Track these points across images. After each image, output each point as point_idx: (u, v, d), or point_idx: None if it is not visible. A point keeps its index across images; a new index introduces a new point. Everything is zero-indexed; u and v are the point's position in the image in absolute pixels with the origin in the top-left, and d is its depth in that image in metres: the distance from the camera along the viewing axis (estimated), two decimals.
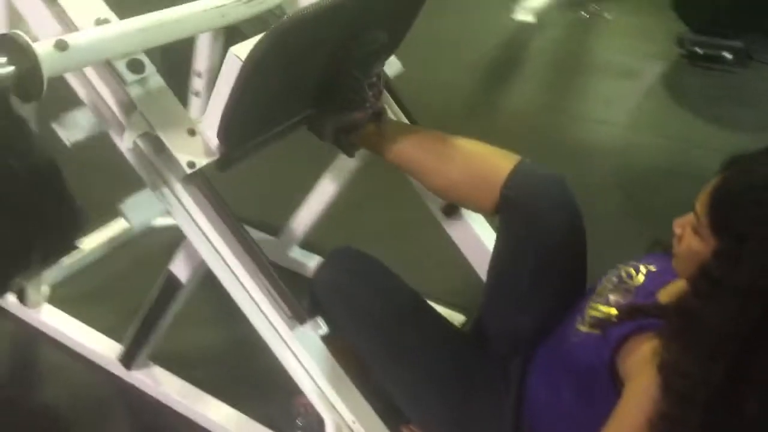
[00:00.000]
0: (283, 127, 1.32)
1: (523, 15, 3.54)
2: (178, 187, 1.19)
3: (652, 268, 1.18)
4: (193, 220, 1.20)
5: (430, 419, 1.28)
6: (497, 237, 1.31)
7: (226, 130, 1.16)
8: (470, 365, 1.26)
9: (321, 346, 1.25)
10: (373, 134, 1.34)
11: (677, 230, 1.05)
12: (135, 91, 1.15)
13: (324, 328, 1.26)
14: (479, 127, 2.67)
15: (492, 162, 1.28)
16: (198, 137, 1.17)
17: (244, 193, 2.23)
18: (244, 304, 1.24)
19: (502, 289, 1.32)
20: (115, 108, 1.18)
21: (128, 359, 1.60)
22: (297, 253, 1.96)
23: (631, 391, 1.01)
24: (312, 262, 1.92)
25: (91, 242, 1.99)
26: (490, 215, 1.36)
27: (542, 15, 3.56)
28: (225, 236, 1.20)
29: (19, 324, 1.81)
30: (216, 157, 1.18)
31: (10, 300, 1.80)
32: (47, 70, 0.99)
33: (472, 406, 1.24)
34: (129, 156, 1.21)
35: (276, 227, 1.96)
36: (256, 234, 2.06)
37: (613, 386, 1.06)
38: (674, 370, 0.94)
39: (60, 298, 1.85)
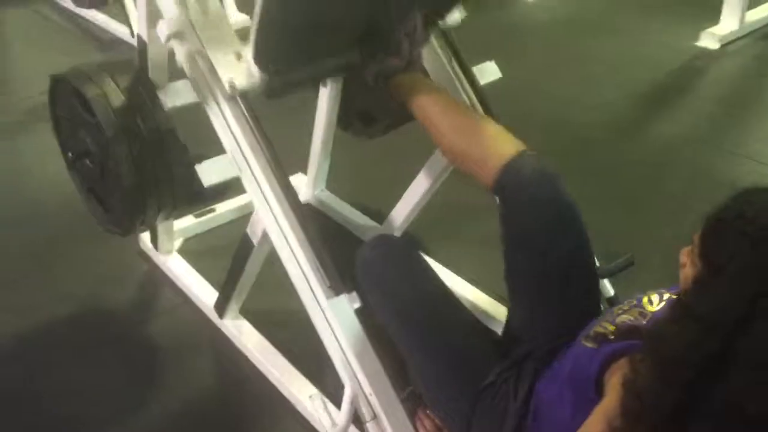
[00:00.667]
0: (328, 65, 1.42)
1: (707, 41, 3.37)
2: (224, 105, 1.34)
3: (674, 296, 1.16)
4: (235, 138, 1.35)
5: (442, 406, 1.34)
6: (499, 220, 1.35)
7: (258, 53, 1.28)
8: (488, 363, 1.30)
9: (353, 318, 1.36)
10: (404, 85, 1.42)
11: (682, 258, 1.03)
12: (193, 14, 1.31)
13: (358, 303, 1.37)
14: (623, 150, 2.62)
15: (496, 145, 1.33)
16: (243, 62, 1.33)
17: (361, 180, 2.42)
18: (290, 267, 1.38)
19: (508, 282, 1.36)
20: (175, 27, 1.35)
21: (220, 309, 1.82)
22: None
23: (598, 407, 1.02)
24: None
25: (226, 206, 2.26)
26: (486, 191, 1.38)
27: (729, 43, 3.38)
28: (266, 172, 1.35)
29: (151, 266, 2.12)
30: (255, 80, 1.32)
31: (149, 245, 2.11)
32: None
33: (481, 401, 1.28)
34: (186, 71, 1.38)
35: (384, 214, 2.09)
36: (362, 219, 2.22)
37: (599, 401, 1.07)
38: (631, 389, 0.94)
39: (188, 250, 2.13)
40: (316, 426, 1.55)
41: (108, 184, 1.65)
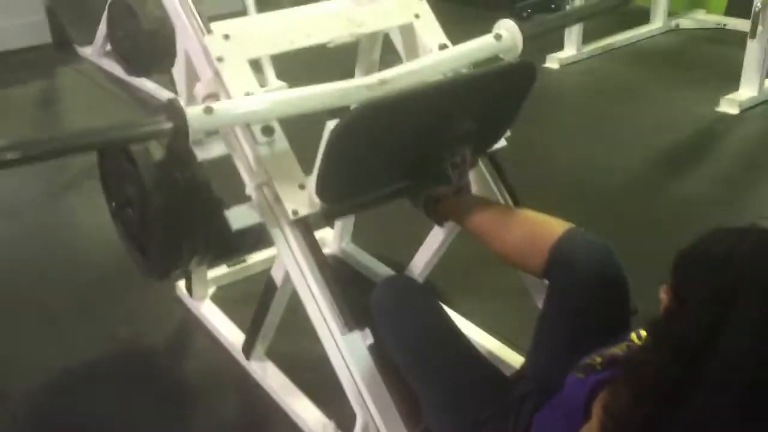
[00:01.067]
0: (380, 194, 1.59)
1: (727, 107, 3.48)
2: (287, 230, 1.49)
3: None
4: (294, 258, 1.50)
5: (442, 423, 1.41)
6: (546, 295, 1.43)
7: (320, 187, 1.45)
8: (487, 396, 1.38)
9: (365, 353, 1.46)
10: (454, 206, 1.55)
11: (661, 294, 1.12)
12: (263, 150, 1.47)
13: (371, 340, 1.47)
14: (642, 209, 2.71)
15: (545, 227, 1.41)
16: (305, 191, 1.48)
17: (385, 234, 2.54)
18: (310, 306, 1.50)
19: (541, 343, 1.43)
20: (248, 160, 1.51)
21: (247, 350, 1.94)
22: None
23: (582, 429, 1.10)
24: None
25: (257, 257, 2.40)
26: (540, 277, 1.45)
27: (748, 109, 3.47)
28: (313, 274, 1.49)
29: (186, 311, 2.26)
30: (316, 209, 1.48)
31: (184, 292, 2.26)
32: (193, 127, 1.34)
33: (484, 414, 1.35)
34: (253, 198, 1.54)
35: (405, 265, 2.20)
36: (384, 270, 2.34)
37: None
38: (607, 410, 1.02)
39: (221, 297, 2.27)
40: None
41: (146, 231, 1.81)
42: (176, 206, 1.74)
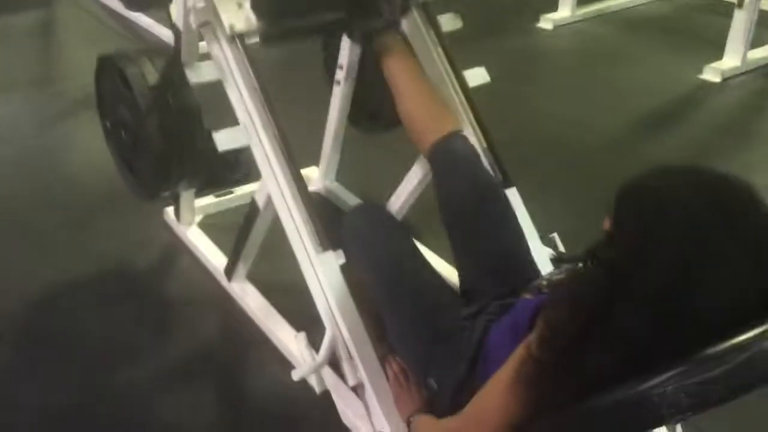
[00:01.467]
0: (318, 20, 1.69)
1: (709, 75, 3.57)
2: (225, 47, 1.61)
3: None
4: (234, 78, 1.61)
5: (405, 351, 1.54)
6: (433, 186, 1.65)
7: (254, 2, 1.55)
8: (446, 316, 1.49)
9: (337, 271, 1.57)
10: (384, 45, 1.68)
11: (604, 225, 1.23)
12: None
13: (343, 259, 1.58)
14: (615, 167, 2.81)
15: (438, 120, 1.67)
16: (243, 10, 1.59)
17: (367, 174, 2.64)
18: (287, 225, 1.61)
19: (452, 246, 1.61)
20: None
21: (229, 272, 2.06)
22: None
23: (525, 340, 1.21)
24: None
25: (246, 188, 2.49)
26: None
27: (730, 78, 3.56)
28: (273, 144, 1.59)
29: (173, 236, 2.37)
30: (253, 27, 1.58)
31: (172, 217, 2.36)
32: None
33: (439, 348, 1.47)
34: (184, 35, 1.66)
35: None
36: None
37: None
38: (546, 321, 1.14)
39: (207, 225, 2.38)
40: (298, 364, 1.73)
41: (139, 152, 1.90)
42: (168, 128, 1.83)
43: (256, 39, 1.63)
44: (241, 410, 1.77)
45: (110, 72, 1.89)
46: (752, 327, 0.98)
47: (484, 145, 1.82)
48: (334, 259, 1.58)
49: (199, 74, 1.66)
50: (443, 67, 1.88)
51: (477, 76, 1.92)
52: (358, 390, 1.56)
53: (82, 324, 2.01)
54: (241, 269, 2.04)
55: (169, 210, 2.38)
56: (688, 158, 2.89)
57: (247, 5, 1.58)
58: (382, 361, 1.58)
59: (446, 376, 1.45)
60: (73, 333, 1.98)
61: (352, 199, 2.52)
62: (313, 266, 1.58)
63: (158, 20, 3.84)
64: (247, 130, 1.62)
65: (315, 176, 2.61)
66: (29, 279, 2.18)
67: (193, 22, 1.64)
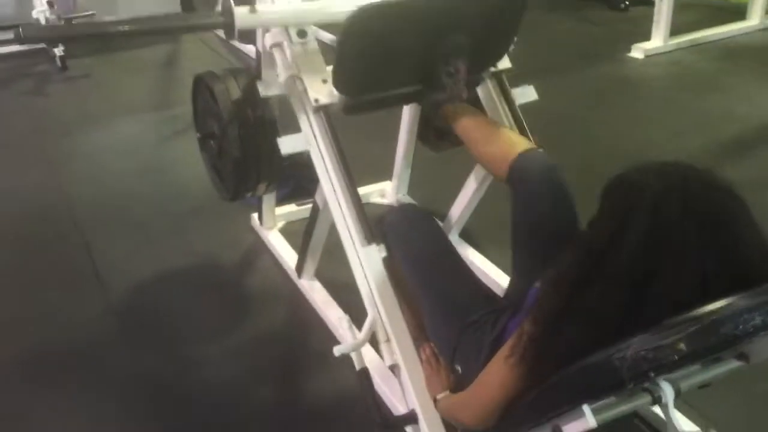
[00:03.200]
0: (394, 94, 1.85)
1: None
2: (310, 115, 1.82)
3: None
4: (315, 140, 1.81)
5: (437, 338, 1.69)
6: (511, 205, 1.68)
7: (336, 79, 1.76)
8: (474, 310, 1.62)
9: (379, 262, 1.76)
10: (449, 112, 1.83)
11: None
12: (296, 49, 1.82)
13: (385, 253, 1.77)
14: None
15: (510, 145, 1.71)
16: (327, 85, 1.81)
17: (436, 188, 2.81)
18: (338, 221, 1.81)
19: (513, 262, 1.70)
20: (283, 56, 1.85)
21: (299, 270, 2.30)
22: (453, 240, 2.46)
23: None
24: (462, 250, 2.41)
25: None
26: (504, 183, 1.71)
27: None
28: (332, 160, 1.79)
29: (257, 238, 2.65)
30: (335, 100, 1.79)
31: (257, 223, 2.65)
32: (239, 22, 1.72)
33: (465, 338, 1.60)
34: (264, 57, 1.88)
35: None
36: None
37: None
38: (537, 303, 1.28)
39: (288, 231, 2.64)
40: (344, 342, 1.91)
41: (223, 158, 2.19)
42: (246, 137, 2.10)
43: None
44: (296, 386, 1.99)
45: (202, 89, 2.19)
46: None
47: None
48: (377, 252, 1.77)
49: (268, 88, 1.91)
50: (506, 115, 2.03)
51: (525, 93, 2.07)
52: (394, 370, 1.73)
53: (174, 305, 2.32)
54: (310, 267, 2.27)
55: (255, 216, 2.66)
56: (760, 182, 2.88)
57: (330, 83, 1.79)
58: (417, 345, 1.74)
59: (470, 362, 1.58)
60: (165, 311, 2.30)
61: None
62: (358, 257, 1.78)
63: None
64: (307, 137, 1.85)
65: (389, 190, 2.82)
66: (138, 263, 2.53)
67: (267, 45, 1.91)
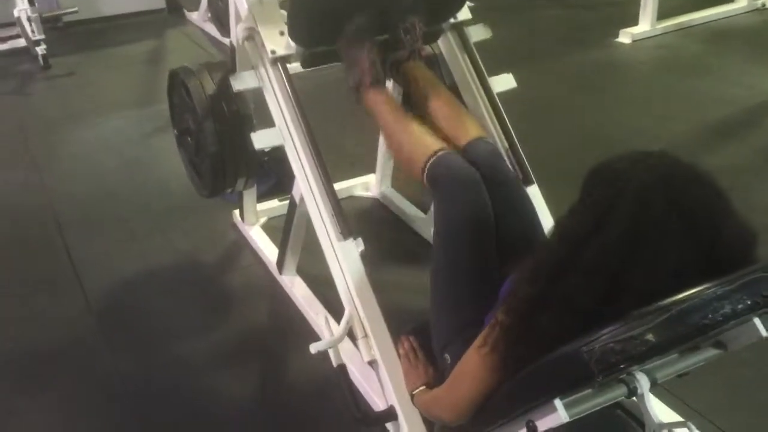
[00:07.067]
0: None
1: None
2: (268, 68, 1.81)
3: None
4: (275, 94, 1.80)
5: (436, 322, 1.60)
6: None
7: (290, 28, 1.74)
8: (476, 308, 1.53)
9: (357, 258, 1.73)
10: (407, 74, 1.81)
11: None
12: (253, 2, 1.82)
13: (362, 246, 1.75)
14: None
15: (457, 130, 1.72)
16: (285, 37, 1.79)
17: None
18: (314, 216, 1.79)
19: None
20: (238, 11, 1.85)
21: (279, 266, 2.27)
22: None
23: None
24: None
25: None
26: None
27: None
28: (296, 125, 1.78)
29: (239, 234, 2.62)
30: (292, 51, 1.78)
31: (239, 219, 2.62)
32: None
33: (460, 335, 1.50)
34: (239, 50, 1.88)
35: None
36: (413, 210, 2.60)
37: None
38: (511, 292, 1.25)
39: (270, 226, 2.61)
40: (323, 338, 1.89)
41: (200, 154, 2.16)
42: (223, 132, 2.08)
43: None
44: (276, 383, 1.97)
45: (177, 85, 2.16)
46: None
47: (506, 145, 1.94)
48: (354, 247, 1.74)
49: (241, 82, 1.88)
50: (470, 76, 2.02)
51: (504, 81, 2.04)
52: (372, 366, 1.71)
53: (154, 303, 2.30)
54: (290, 263, 2.25)
55: (237, 212, 2.63)
56: (747, 167, 2.86)
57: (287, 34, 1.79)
58: (395, 340, 1.72)
59: (459, 356, 1.56)
60: (144, 310, 2.28)
61: (406, 204, 2.68)
62: (335, 252, 1.76)
63: None
64: (281, 131, 1.83)
65: (372, 183, 2.80)
66: (119, 261, 2.51)
67: (239, 35, 1.88)
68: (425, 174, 1.66)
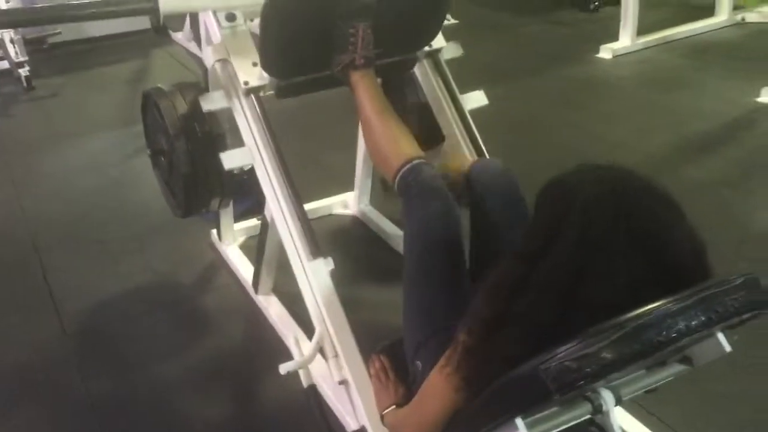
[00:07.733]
0: (325, 76, 1.79)
1: (766, 97, 3.50)
2: (241, 98, 1.81)
3: None
4: (245, 116, 1.80)
5: (407, 329, 1.57)
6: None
7: (263, 62, 1.74)
8: (448, 315, 1.50)
9: (326, 276, 1.73)
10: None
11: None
12: (225, 33, 1.82)
13: (332, 265, 1.74)
14: None
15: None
16: (258, 68, 1.79)
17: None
18: (284, 235, 1.78)
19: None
20: (211, 40, 1.84)
21: (255, 286, 2.26)
22: None
23: None
24: None
25: None
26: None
27: None
28: (268, 153, 1.78)
29: (216, 254, 2.61)
30: (265, 82, 1.78)
31: (216, 238, 2.61)
32: (163, 7, 1.73)
33: (432, 340, 1.48)
34: (211, 73, 1.87)
35: None
36: (391, 229, 2.60)
37: None
38: (473, 310, 1.25)
39: (247, 245, 2.60)
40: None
41: (173, 174, 2.15)
42: (195, 152, 2.07)
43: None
44: (250, 404, 1.96)
45: (150, 105, 2.16)
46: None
47: None
48: (324, 266, 1.74)
49: (210, 102, 1.88)
50: (442, 93, 2.03)
51: (474, 99, 2.05)
52: (344, 385, 1.70)
53: (130, 325, 2.28)
54: (266, 282, 2.24)
55: (214, 232, 2.62)
56: (726, 180, 2.87)
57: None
58: (365, 359, 1.71)
59: (430, 364, 1.54)
60: (121, 332, 2.26)
61: (384, 222, 2.67)
62: (305, 271, 1.75)
63: None
64: (251, 151, 1.82)
65: (351, 201, 2.79)
66: (96, 282, 2.50)
67: (208, 58, 1.88)
68: (397, 179, 1.66)
